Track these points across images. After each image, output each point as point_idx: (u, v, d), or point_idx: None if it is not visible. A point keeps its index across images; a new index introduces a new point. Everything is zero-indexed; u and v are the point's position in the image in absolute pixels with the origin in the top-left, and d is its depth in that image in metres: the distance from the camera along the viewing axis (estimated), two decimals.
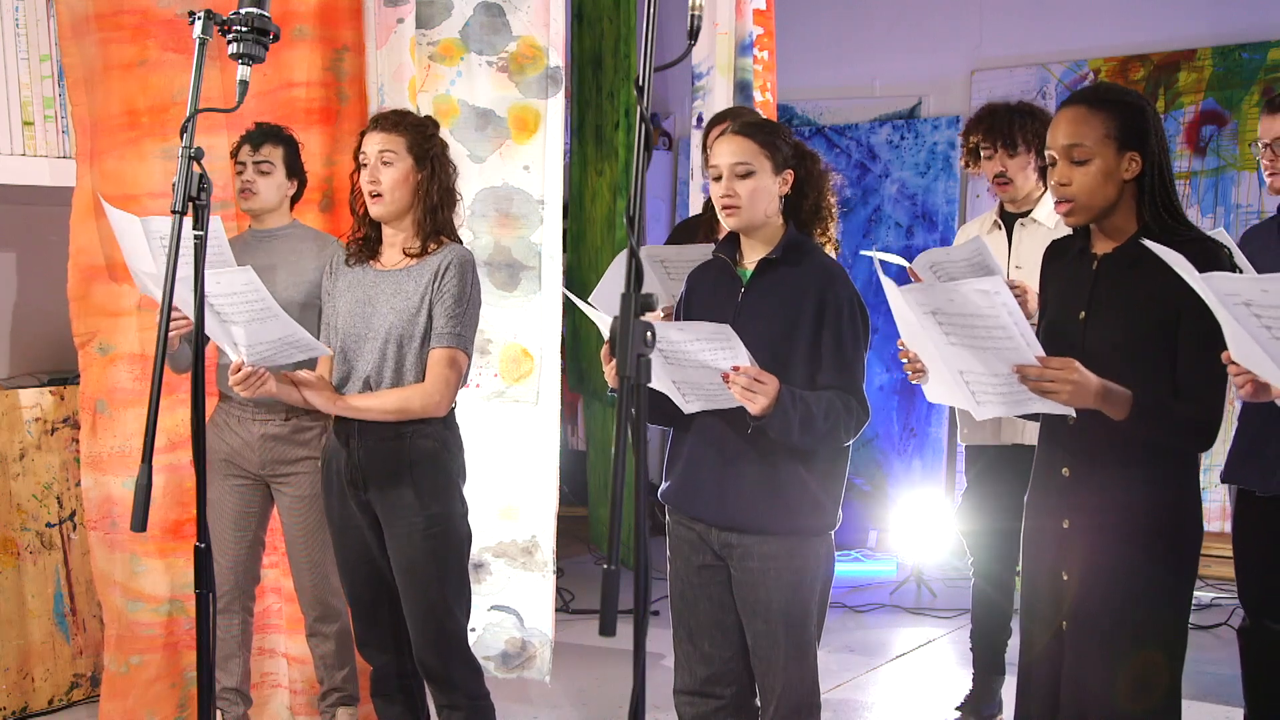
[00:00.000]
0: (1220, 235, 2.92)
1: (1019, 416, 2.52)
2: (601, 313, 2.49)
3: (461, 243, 2.93)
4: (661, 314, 3.25)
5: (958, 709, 3.83)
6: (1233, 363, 2.03)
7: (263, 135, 3.30)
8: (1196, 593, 5.17)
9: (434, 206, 2.85)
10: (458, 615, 2.89)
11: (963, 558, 5.43)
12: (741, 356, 2.35)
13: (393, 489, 2.81)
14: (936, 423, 6.10)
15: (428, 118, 2.95)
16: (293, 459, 3.30)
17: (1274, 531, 3.01)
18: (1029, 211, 3.54)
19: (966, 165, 3.68)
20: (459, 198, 2.94)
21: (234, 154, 3.33)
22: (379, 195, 2.81)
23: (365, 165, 2.84)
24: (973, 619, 3.81)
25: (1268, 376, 1.96)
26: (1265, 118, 3.07)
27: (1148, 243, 2.04)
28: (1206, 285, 1.87)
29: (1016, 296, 3.19)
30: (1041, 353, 2.14)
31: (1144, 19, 5.67)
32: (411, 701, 3.03)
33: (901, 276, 3.11)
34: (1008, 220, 3.59)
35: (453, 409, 2.89)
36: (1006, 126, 3.49)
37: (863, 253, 3.73)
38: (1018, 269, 3.50)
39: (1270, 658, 3.07)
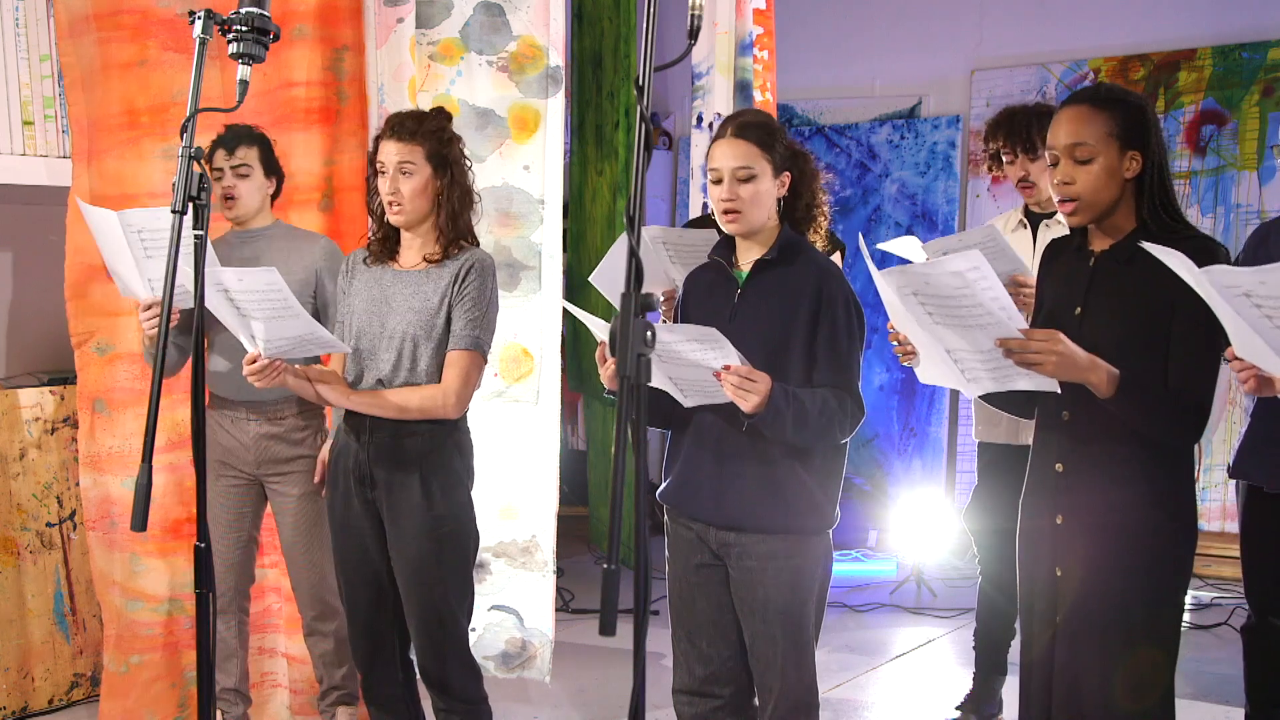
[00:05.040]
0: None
1: (1010, 412, 2.52)
2: (600, 320, 2.49)
3: (479, 244, 2.92)
4: (662, 297, 3.25)
5: (958, 708, 3.83)
6: (1236, 358, 2.03)
7: (236, 138, 3.26)
8: (1197, 592, 5.19)
9: (454, 213, 2.84)
10: (459, 618, 2.88)
11: (962, 557, 5.44)
12: (731, 356, 2.36)
13: (401, 487, 2.81)
14: (936, 422, 6.10)
15: (439, 112, 2.89)
16: (288, 458, 3.30)
17: None
18: (1055, 213, 3.53)
19: (988, 169, 3.68)
20: (477, 198, 2.92)
21: (208, 159, 3.26)
22: (399, 205, 2.81)
23: (384, 174, 2.82)
24: (977, 618, 3.81)
25: (1271, 369, 1.96)
26: None
27: (1146, 245, 2.05)
28: (1206, 279, 1.88)
29: (1026, 295, 3.20)
30: (1024, 324, 2.14)
31: (1144, 19, 5.68)
32: (407, 708, 3.02)
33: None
34: (1033, 220, 3.59)
35: (465, 411, 2.89)
36: (1025, 130, 3.48)
37: (879, 245, 3.73)
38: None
39: (1273, 656, 3.06)
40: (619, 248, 3.38)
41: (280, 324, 2.63)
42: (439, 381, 2.80)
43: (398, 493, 2.81)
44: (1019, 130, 3.50)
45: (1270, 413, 3.05)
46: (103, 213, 2.92)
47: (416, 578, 2.83)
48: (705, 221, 3.61)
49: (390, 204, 2.81)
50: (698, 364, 2.39)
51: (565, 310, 3.24)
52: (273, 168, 3.34)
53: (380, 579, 2.90)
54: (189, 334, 2.33)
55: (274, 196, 3.38)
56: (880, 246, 3.64)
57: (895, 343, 2.43)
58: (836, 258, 3.63)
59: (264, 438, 3.28)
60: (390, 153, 2.80)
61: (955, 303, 2.12)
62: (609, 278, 3.34)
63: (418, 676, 2.98)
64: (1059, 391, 2.23)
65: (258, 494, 3.37)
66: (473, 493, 2.92)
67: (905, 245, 3.51)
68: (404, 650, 2.98)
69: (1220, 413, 5.23)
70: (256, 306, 2.59)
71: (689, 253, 3.09)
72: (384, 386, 2.81)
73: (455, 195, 2.84)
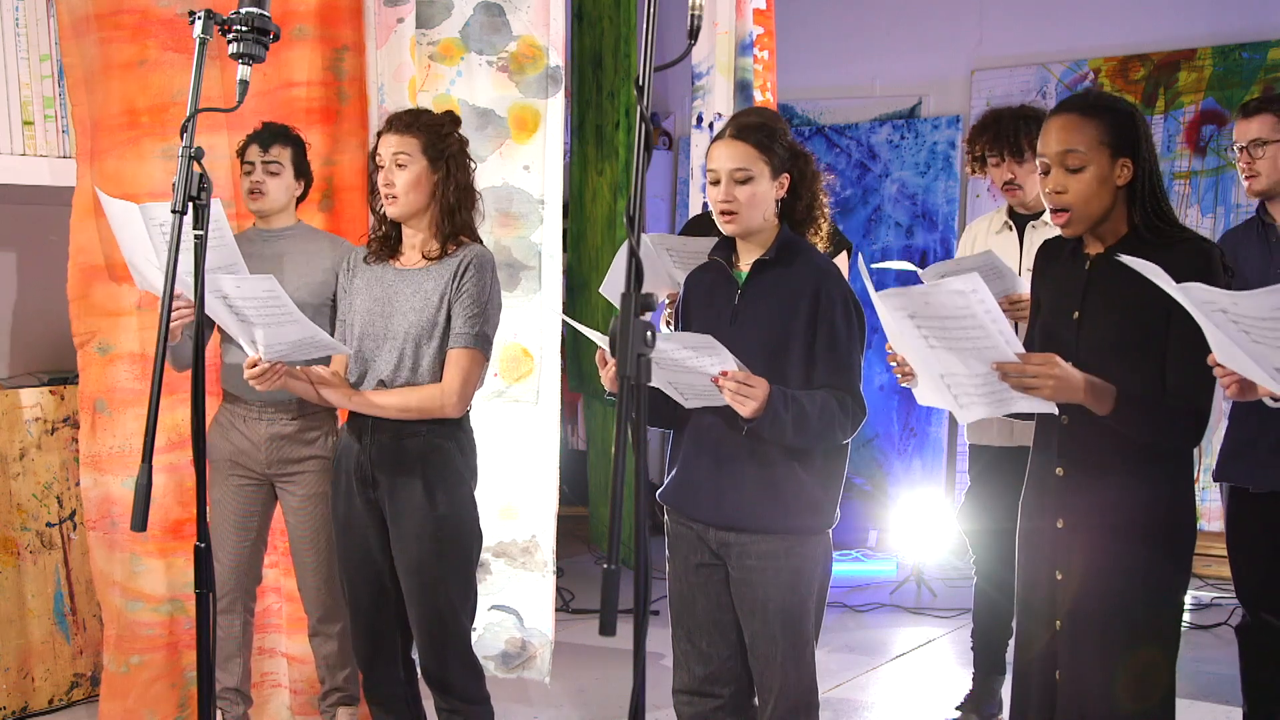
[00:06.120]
0: None
1: (1008, 417, 2.52)
2: (597, 332, 2.50)
3: (481, 242, 2.91)
4: (666, 301, 3.25)
5: (958, 708, 3.83)
6: (1218, 365, 2.04)
7: (272, 136, 3.29)
8: (1197, 592, 5.20)
9: (451, 208, 2.83)
10: (462, 618, 2.88)
11: (963, 557, 5.44)
12: (729, 362, 2.35)
13: (403, 488, 2.80)
14: (936, 423, 6.10)
15: (446, 114, 2.91)
16: (299, 458, 3.30)
17: (1268, 527, 3.03)
18: (1041, 213, 3.54)
19: (972, 171, 3.68)
20: (478, 196, 2.92)
21: (240, 153, 3.32)
22: (394, 197, 2.81)
23: (381, 166, 2.83)
24: (974, 618, 3.81)
25: (1252, 375, 1.97)
26: (1240, 121, 3.15)
27: (1123, 257, 2.06)
28: (1184, 295, 1.90)
29: (1021, 309, 3.20)
30: (1021, 349, 2.14)
31: (1144, 19, 5.68)
32: (409, 708, 3.02)
33: (906, 278, 3.12)
34: (1019, 222, 3.59)
35: (468, 410, 2.89)
36: (1012, 133, 3.49)
37: (875, 266, 3.75)
38: (1029, 271, 3.50)
39: (1269, 655, 3.08)
40: (623, 258, 3.39)
41: (280, 329, 2.63)
42: (441, 381, 2.80)
43: (400, 493, 2.81)
44: (1006, 133, 3.50)
45: (1247, 416, 3.07)
46: (124, 205, 2.93)
47: (419, 578, 2.83)
48: (706, 220, 3.62)
49: (385, 195, 2.81)
50: (695, 370, 2.39)
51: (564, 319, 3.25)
52: (303, 170, 3.36)
53: (382, 579, 2.90)
54: (200, 328, 2.33)
55: (301, 199, 3.39)
56: (877, 266, 3.64)
57: (894, 364, 2.42)
58: (843, 258, 3.63)
59: (276, 438, 3.28)
60: (387, 145, 2.82)
61: (953, 324, 2.12)
62: (616, 287, 3.34)
63: (419, 676, 2.98)
64: (1055, 412, 2.23)
65: (268, 494, 3.37)
66: (475, 492, 2.91)
67: (900, 268, 3.53)
68: (406, 650, 2.98)
69: (1220, 413, 5.24)
70: (255, 312, 2.59)
71: (692, 258, 3.09)
72: (386, 386, 2.81)
73: (451, 190, 2.83)
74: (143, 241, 2.93)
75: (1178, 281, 1.91)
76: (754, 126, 2.54)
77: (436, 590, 2.83)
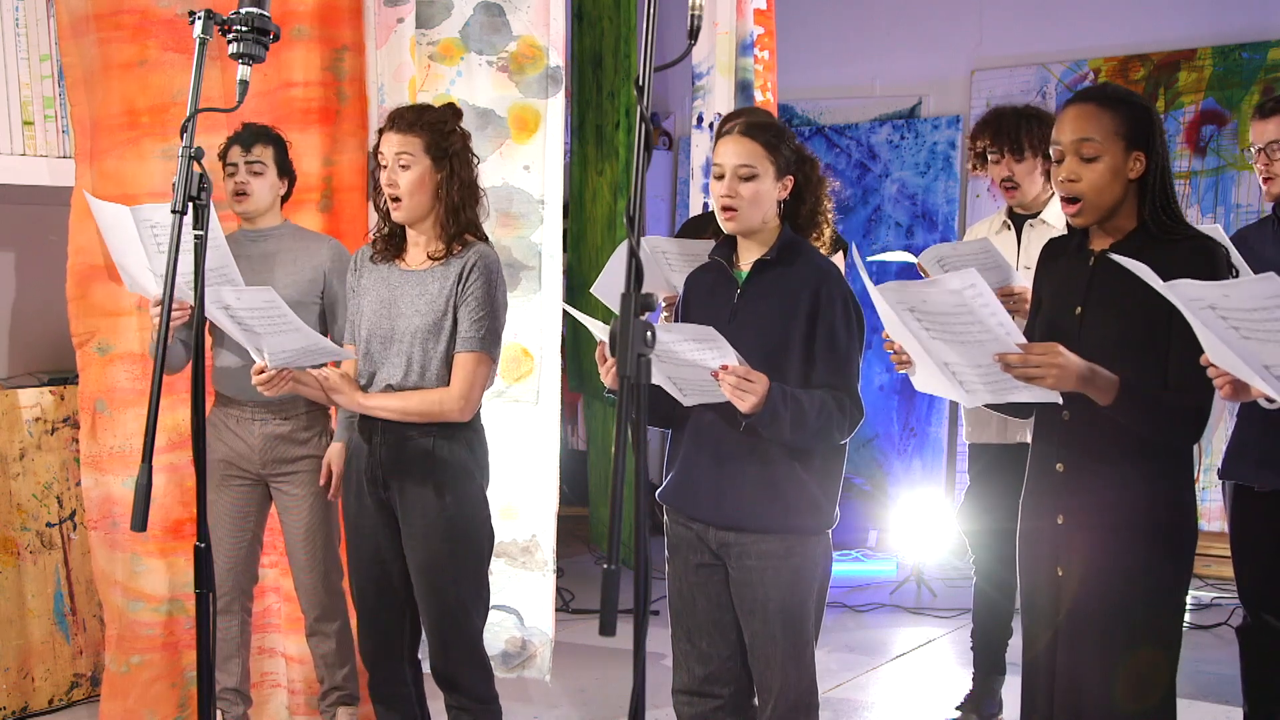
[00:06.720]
0: (1215, 232, 2.93)
1: (1007, 413, 2.52)
2: (599, 322, 2.49)
3: (487, 240, 2.89)
4: (664, 303, 3.26)
5: (958, 709, 3.83)
6: (1211, 365, 2.04)
7: (253, 136, 3.29)
8: (1197, 592, 5.19)
9: (455, 207, 2.81)
10: (473, 618, 2.87)
11: (963, 557, 5.44)
12: (729, 356, 2.36)
13: (414, 488, 2.80)
14: (936, 422, 6.10)
15: (447, 108, 2.88)
16: (293, 458, 3.30)
17: (1271, 526, 3.02)
18: (1039, 213, 3.55)
19: (973, 168, 3.69)
20: (482, 193, 2.90)
21: (222, 156, 3.30)
22: (398, 199, 2.79)
23: (384, 166, 2.81)
24: (974, 618, 3.81)
25: (1243, 376, 1.97)
26: (1256, 122, 3.12)
27: (1115, 256, 2.06)
28: (1172, 292, 1.89)
29: (1018, 302, 3.21)
30: (1022, 339, 2.15)
31: (1144, 19, 5.68)
32: (411, 708, 3.02)
33: (905, 273, 3.12)
34: (1017, 221, 3.60)
35: (477, 410, 2.88)
36: (1013, 131, 3.50)
37: (871, 259, 3.76)
38: (1026, 269, 3.51)
39: (1269, 656, 3.07)
40: (618, 259, 3.39)
41: (283, 338, 2.63)
42: (449, 384, 2.79)
43: (410, 493, 2.81)
44: (1007, 130, 3.51)
45: (1252, 414, 3.07)
46: (114, 207, 2.92)
47: (430, 577, 2.82)
48: (706, 220, 3.62)
49: (389, 197, 2.80)
50: (696, 364, 2.39)
51: (565, 311, 3.24)
52: (286, 169, 3.35)
53: (390, 577, 2.89)
54: (199, 329, 2.34)
55: (285, 198, 3.39)
56: (874, 259, 3.67)
57: (890, 351, 2.43)
58: (839, 257, 3.64)
59: (270, 438, 3.29)
60: (390, 144, 2.79)
61: (952, 319, 2.12)
62: (610, 288, 3.34)
63: (425, 674, 2.98)
64: (1059, 402, 2.23)
65: (262, 494, 3.37)
66: (487, 491, 2.91)
67: (898, 258, 3.53)
68: (413, 649, 2.98)
69: (1220, 412, 5.24)
70: (257, 322, 2.60)
71: (689, 261, 3.10)
72: (393, 389, 2.81)
73: (455, 188, 2.81)
74: (134, 244, 2.92)
75: (1182, 279, 1.91)
76: (763, 125, 2.55)
77: (447, 590, 2.82)
